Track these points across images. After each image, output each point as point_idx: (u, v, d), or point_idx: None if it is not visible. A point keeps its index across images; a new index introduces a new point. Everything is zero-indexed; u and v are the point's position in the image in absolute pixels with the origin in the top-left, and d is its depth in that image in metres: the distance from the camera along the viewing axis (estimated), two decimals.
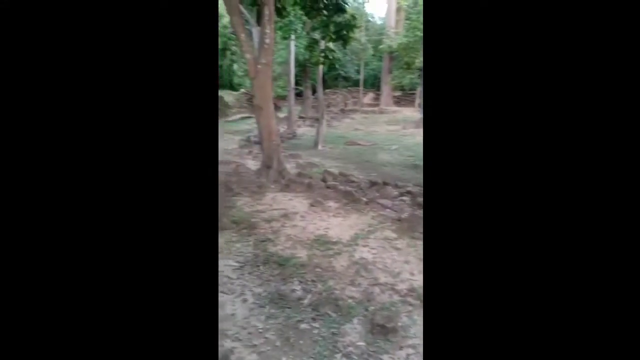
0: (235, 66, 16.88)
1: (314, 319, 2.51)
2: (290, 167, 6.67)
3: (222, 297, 2.94)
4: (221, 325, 2.41)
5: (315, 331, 2.38)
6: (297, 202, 5.10)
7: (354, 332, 2.38)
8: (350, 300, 2.71)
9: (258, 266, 3.40)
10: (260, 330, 2.41)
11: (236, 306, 2.77)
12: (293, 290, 2.89)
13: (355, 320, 2.49)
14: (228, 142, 9.69)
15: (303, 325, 2.46)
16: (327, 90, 13.67)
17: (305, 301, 2.72)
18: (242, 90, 16.24)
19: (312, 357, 2.16)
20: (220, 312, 2.66)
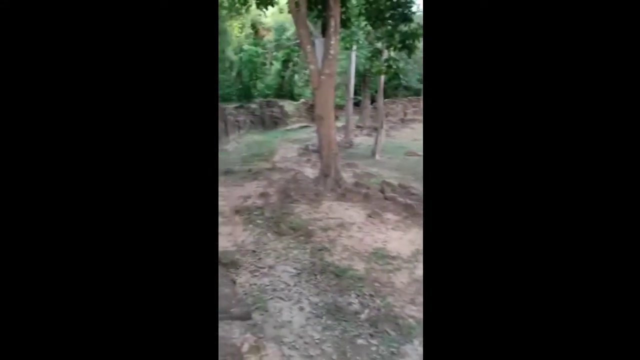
0: (296, 77, 17.59)
1: (371, 335, 2.41)
2: (347, 176, 6.65)
3: (279, 303, 2.99)
4: (278, 332, 2.44)
5: (374, 348, 2.28)
6: (353, 212, 5.04)
7: (414, 354, 2.23)
8: (410, 320, 2.56)
9: (315, 275, 3.41)
10: (317, 341, 2.39)
11: (293, 314, 2.79)
12: (350, 304, 2.83)
13: (416, 342, 2.33)
14: (287, 150, 10.05)
15: (360, 341, 2.38)
16: (386, 100, 13.46)
17: (363, 316, 2.64)
18: (302, 100, 16.82)
19: None
20: (278, 319, 2.70)
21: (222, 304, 2.01)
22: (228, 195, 5.97)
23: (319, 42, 6.33)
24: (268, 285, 3.25)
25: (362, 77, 13.47)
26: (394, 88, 14.89)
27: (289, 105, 16.02)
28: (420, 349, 2.27)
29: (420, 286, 3.03)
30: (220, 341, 1.58)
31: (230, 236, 4.46)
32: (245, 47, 14.51)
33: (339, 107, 13.51)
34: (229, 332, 1.72)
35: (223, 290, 2.23)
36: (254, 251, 4.05)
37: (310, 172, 7.59)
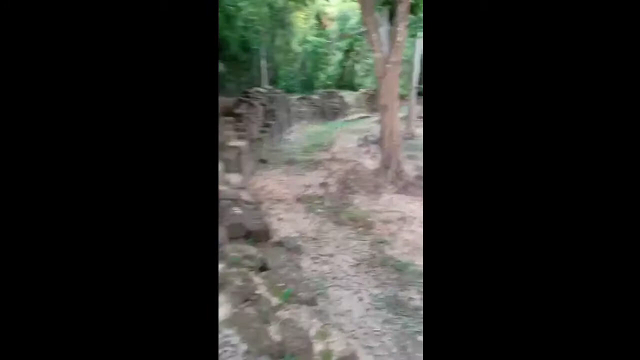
0: (357, 67, 17.31)
1: None
2: (409, 169, 6.42)
3: (339, 292, 3.06)
4: (337, 320, 2.51)
5: None
6: (415, 207, 4.87)
7: None
8: None
9: (375, 267, 3.40)
10: (377, 333, 2.40)
11: (352, 303, 2.84)
12: (411, 299, 2.78)
13: None
14: (346, 141, 10.04)
15: (421, 338, 2.33)
16: None
17: None
18: (362, 90, 16.55)
19: None
20: (337, 307, 2.78)
21: (289, 287, 2.14)
22: (290, 184, 6.21)
23: (383, 30, 6.13)
24: (328, 273, 3.35)
25: None
26: None
27: (349, 96, 15.88)
28: None
29: None
30: (288, 324, 1.69)
31: (293, 223, 4.66)
32: (310, 38, 14.68)
33: (402, 98, 12.99)
34: (297, 316, 1.82)
35: (290, 274, 2.36)
36: (314, 239, 4.18)
37: (370, 163, 7.49)
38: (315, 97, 14.68)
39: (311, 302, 2.06)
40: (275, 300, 1.90)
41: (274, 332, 1.55)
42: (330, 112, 14.65)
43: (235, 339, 1.08)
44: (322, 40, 13.74)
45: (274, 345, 1.39)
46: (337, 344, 1.62)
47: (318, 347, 1.60)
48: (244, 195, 3.93)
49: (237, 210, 2.91)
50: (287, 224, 4.62)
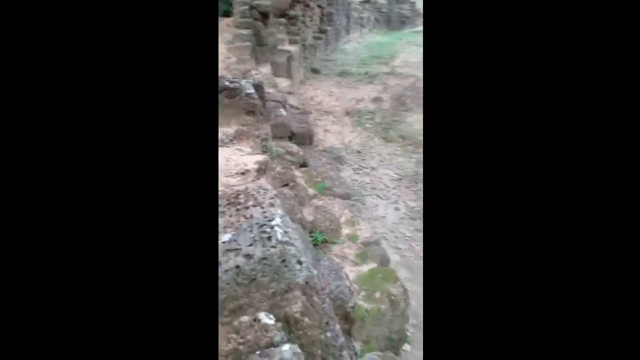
0: None
1: None
2: None
3: (376, 200, 3.15)
4: (371, 223, 2.63)
5: None
6: None
7: None
8: None
9: (416, 182, 3.37)
10: (407, 238, 2.50)
11: (388, 211, 2.93)
12: None
13: None
14: (411, 55, 9.05)
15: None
16: None
17: None
18: None
19: None
20: (373, 213, 2.89)
21: (327, 183, 2.23)
22: (340, 97, 6.01)
23: None
24: (368, 184, 3.42)
25: None
26: None
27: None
28: None
29: None
30: (322, 209, 1.81)
31: (339, 135, 4.64)
32: None
33: None
34: (331, 206, 1.94)
35: (329, 173, 2.44)
36: (359, 152, 4.19)
37: None
38: (381, 1, 12.92)
39: (345, 197, 2.14)
40: (311, 191, 2.01)
41: (307, 214, 1.68)
42: (397, 20, 12.98)
43: (275, 209, 1.18)
44: None
45: (306, 222, 1.52)
46: (364, 232, 1.72)
47: (346, 231, 1.72)
48: (291, 100, 3.91)
49: (282, 111, 2.93)
50: (333, 135, 4.63)
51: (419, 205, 2.94)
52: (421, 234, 2.55)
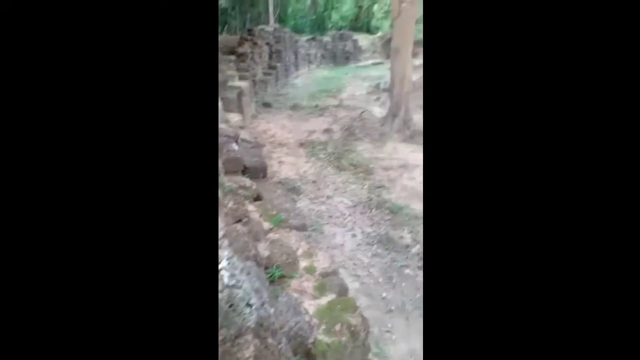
0: (375, 7, 15.98)
1: (419, 268, 2.47)
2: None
3: (333, 229, 3.18)
4: (329, 252, 2.64)
5: (419, 279, 2.35)
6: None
7: None
8: None
9: (371, 209, 3.49)
10: (365, 265, 2.54)
11: (345, 239, 2.96)
12: (402, 237, 2.88)
13: None
14: (357, 88, 9.66)
15: (407, 271, 2.46)
16: None
17: (413, 250, 2.68)
18: (379, 33, 15.46)
19: (412, 300, 2.17)
20: (331, 241, 2.91)
21: (283, 216, 2.22)
22: (293, 129, 6.15)
23: None
24: (325, 212, 3.46)
25: None
26: None
27: (363, 39, 14.91)
28: None
29: None
30: (278, 243, 1.79)
31: (294, 166, 4.70)
32: None
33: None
34: (287, 239, 1.92)
35: (284, 205, 2.44)
36: (314, 182, 4.25)
37: (379, 111, 7.29)
38: (326, 39, 13.83)
39: (301, 228, 2.14)
40: (266, 225, 1.99)
41: (263, 249, 1.64)
42: (341, 56, 13.90)
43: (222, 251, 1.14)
44: None
45: (261, 258, 1.48)
46: (321, 262, 1.72)
47: (304, 263, 1.70)
48: (244, 134, 3.91)
49: (234, 146, 2.92)
50: (287, 166, 4.67)
51: (374, 230, 3.03)
52: (378, 260, 2.61)
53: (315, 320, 1.36)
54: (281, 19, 12.73)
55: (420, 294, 2.20)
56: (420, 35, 11.93)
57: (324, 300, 1.49)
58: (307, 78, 11.20)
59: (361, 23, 16.07)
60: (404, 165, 4.54)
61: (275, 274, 1.60)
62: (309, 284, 1.58)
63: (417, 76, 6.79)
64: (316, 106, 7.67)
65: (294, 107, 7.58)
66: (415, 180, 4.09)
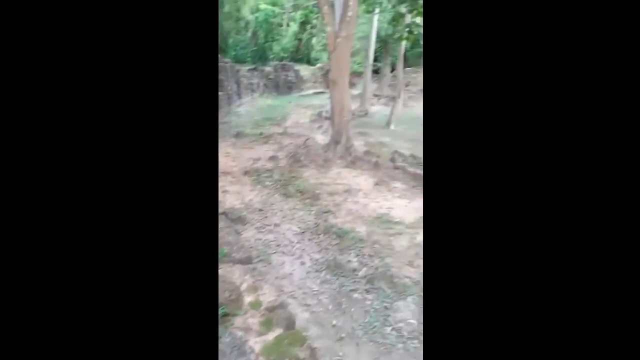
0: (314, 40, 16.94)
1: (367, 291, 2.52)
2: (359, 144, 6.59)
3: (282, 257, 3.12)
4: (279, 282, 2.57)
5: (368, 302, 2.39)
6: (361, 180, 5.06)
7: (407, 310, 2.33)
8: (406, 279, 2.65)
9: (318, 235, 3.51)
10: (315, 293, 2.51)
11: (294, 267, 2.92)
12: (349, 262, 2.93)
13: (409, 299, 2.43)
14: (300, 116, 9.95)
15: (356, 295, 2.49)
16: (407, 68, 12.85)
17: (361, 273, 2.74)
18: (319, 64, 16.32)
19: (361, 325, 2.19)
20: (280, 271, 2.84)
21: (225, 249, 2.12)
22: (238, 157, 6.05)
23: (338, 3, 6.02)
24: (272, 241, 3.38)
25: (384, 43, 12.85)
26: (417, 56, 14.19)
27: (304, 70, 15.58)
28: (413, 306, 2.36)
29: (419, 250, 3.09)
30: (220, 279, 1.69)
31: (239, 195, 4.57)
32: (262, 6, 13.92)
33: (357, 74, 13.09)
34: (230, 274, 1.83)
35: (227, 238, 2.34)
36: (260, 210, 4.17)
37: (321, 138, 7.54)
38: (268, 69, 14.14)
39: (245, 262, 2.07)
40: None
41: None
42: (284, 86, 14.28)
43: None
44: (275, 9, 13.12)
45: None
46: (267, 296, 1.67)
47: (248, 299, 1.63)
48: None
49: None
50: (232, 195, 4.53)
51: (323, 257, 3.04)
52: (327, 286, 2.61)
53: (261, 359, 1.30)
54: (222, 50, 12.76)
55: (368, 318, 2.24)
56: (356, 67, 12.78)
57: (271, 336, 1.44)
58: (251, 106, 11.24)
59: (301, 54, 16.83)
60: (347, 190, 4.69)
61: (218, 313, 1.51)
62: (254, 320, 1.51)
63: (355, 105, 7.24)
64: (260, 134, 7.67)
65: (238, 135, 7.49)
66: (358, 203, 4.25)
